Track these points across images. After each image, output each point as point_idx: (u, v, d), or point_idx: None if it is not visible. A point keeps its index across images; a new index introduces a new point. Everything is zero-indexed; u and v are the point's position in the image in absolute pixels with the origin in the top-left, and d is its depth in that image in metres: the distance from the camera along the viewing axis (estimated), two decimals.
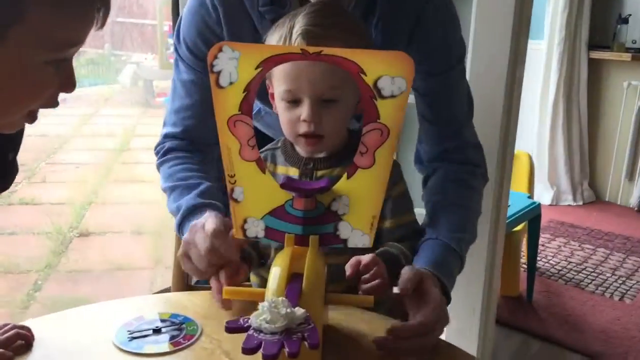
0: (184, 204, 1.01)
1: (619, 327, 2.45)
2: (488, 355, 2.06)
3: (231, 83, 0.78)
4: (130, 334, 0.87)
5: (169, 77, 1.17)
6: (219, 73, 0.78)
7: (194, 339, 0.86)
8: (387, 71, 0.77)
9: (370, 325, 0.90)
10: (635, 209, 3.84)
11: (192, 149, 1.12)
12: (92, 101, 6.37)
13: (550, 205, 3.87)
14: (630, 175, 3.88)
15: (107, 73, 7.58)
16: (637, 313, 2.58)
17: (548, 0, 3.73)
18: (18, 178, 0.93)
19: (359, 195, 0.83)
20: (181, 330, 0.88)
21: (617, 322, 2.50)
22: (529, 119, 3.77)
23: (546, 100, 3.89)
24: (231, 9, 1.04)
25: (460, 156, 1.11)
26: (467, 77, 1.16)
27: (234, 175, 0.83)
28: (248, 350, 0.63)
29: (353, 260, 0.86)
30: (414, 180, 1.14)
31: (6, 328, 0.85)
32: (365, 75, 0.77)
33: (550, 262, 3.05)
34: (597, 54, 3.83)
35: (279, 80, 0.92)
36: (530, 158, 2.77)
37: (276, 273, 0.77)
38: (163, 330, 0.88)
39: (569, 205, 3.93)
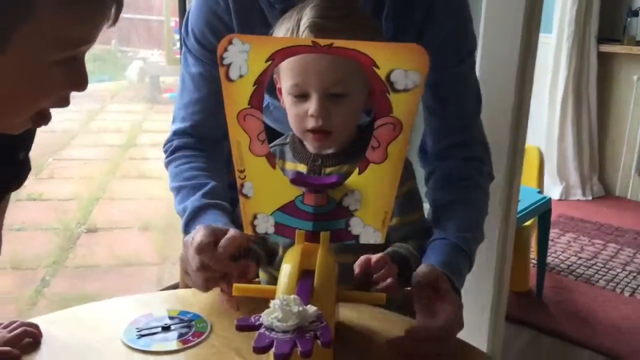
0: (189, 206, 1.00)
1: (630, 323, 2.43)
2: (498, 351, 2.05)
3: (241, 76, 0.77)
4: (138, 331, 0.86)
5: (176, 73, 1.15)
6: (228, 66, 0.76)
7: (203, 337, 0.85)
8: (400, 64, 0.75)
9: (382, 322, 0.89)
10: None
11: (201, 146, 1.10)
12: (99, 97, 6.37)
13: (559, 199, 3.84)
14: None
15: (114, 69, 7.58)
16: None
17: None
18: None
19: (371, 191, 0.81)
20: (190, 328, 0.87)
21: (628, 318, 2.47)
22: (537, 113, 3.74)
23: (555, 94, 3.86)
24: None
25: (466, 152, 1.08)
26: (477, 71, 1.14)
27: (244, 170, 0.82)
28: (259, 349, 0.62)
29: (362, 259, 0.84)
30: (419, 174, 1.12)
31: (14, 325, 0.84)
32: (378, 69, 0.75)
33: (560, 257, 3.03)
34: (607, 48, 3.79)
35: (285, 74, 0.90)
36: (540, 152, 2.74)
37: (287, 270, 0.76)
38: (172, 327, 0.87)
39: (579, 200, 3.90)
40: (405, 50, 0.75)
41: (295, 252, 0.79)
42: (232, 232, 0.88)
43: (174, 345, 0.83)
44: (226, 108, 0.79)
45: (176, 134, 1.13)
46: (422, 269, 0.86)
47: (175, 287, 1.92)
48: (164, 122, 5.50)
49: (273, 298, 0.73)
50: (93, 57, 7.29)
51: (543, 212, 2.50)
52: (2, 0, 0.60)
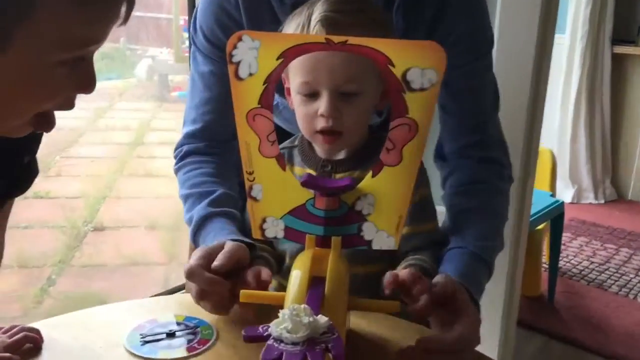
0: (195, 215, 0.97)
1: None
2: (509, 357, 2.01)
3: (250, 74, 0.73)
4: (142, 337, 0.83)
5: (184, 71, 1.13)
6: (238, 64, 0.73)
7: (209, 344, 0.82)
8: (417, 62, 0.71)
9: (394, 331, 0.86)
10: None
11: (212, 150, 1.07)
12: (108, 95, 6.37)
13: (571, 203, 3.80)
14: None
15: (122, 67, 7.59)
16: None
17: None
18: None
19: (385, 195, 0.78)
20: (196, 335, 0.84)
21: None
22: (550, 114, 3.69)
23: (568, 95, 3.82)
24: None
25: (484, 154, 1.04)
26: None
27: (253, 172, 0.79)
28: None
29: (389, 277, 0.78)
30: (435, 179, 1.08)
31: (14, 330, 0.82)
32: (394, 67, 0.72)
33: (572, 262, 2.99)
34: (621, 49, 3.75)
35: (295, 72, 0.87)
36: (552, 155, 2.70)
37: (297, 277, 0.72)
38: (177, 334, 0.84)
39: (591, 203, 3.85)
40: (422, 48, 0.72)
41: (306, 258, 0.75)
42: (228, 246, 0.84)
43: (179, 352, 0.80)
44: (235, 107, 0.76)
45: (187, 137, 1.09)
46: (438, 279, 0.82)
47: (181, 288, 1.90)
48: (172, 120, 5.55)
49: (282, 305, 0.71)
50: (102, 55, 7.31)
51: (556, 216, 2.46)
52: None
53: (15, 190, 0.85)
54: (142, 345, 0.81)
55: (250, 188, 0.79)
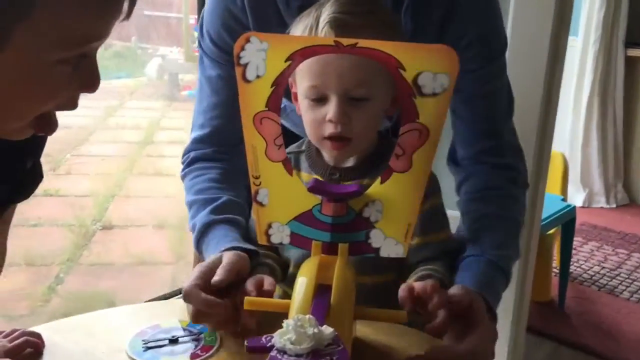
0: (198, 223, 0.95)
1: None
2: None
3: (258, 77, 0.72)
4: (145, 343, 0.82)
5: (194, 70, 1.11)
6: (245, 66, 0.72)
7: (212, 351, 0.81)
8: (428, 67, 0.70)
9: (401, 339, 0.84)
10: None
11: (219, 157, 1.05)
12: (118, 93, 6.38)
13: (582, 207, 3.75)
14: None
15: (133, 66, 7.60)
16: None
17: None
18: (43, 169, 0.87)
19: (394, 201, 0.76)
20: (199, 341, 0.83)
21: None
22: (562, 118, 3.65)
23: (580, 99, 3.78)
24: None
25: (499, 160, 1.02)
26: None
27: (259, 176, 0.77)
28: None
29: (404, 291, 0.76)
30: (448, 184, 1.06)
31: (15, 335, 0.81)
32: (405, 71, 0.70)
33: (583, 267, 2.95)
34: (634, 52, 3.70)
35: (302, 76, 0.85)
36: (564, 158, 2.67)
37: (302, 284, 0.71)
38: (180, 340, 0.83)
39: (602, 207, 3.80)
40: (434, 52, 0.70)
41: (312, 265, 0.74)
42: (227, 258, 0.82)
43: (181, 359, 0.79)
44: (242, 110, 0.74)
45: (195, 142, 1.07)
46: (455, 290, 0.80)
47: None
48: (182, 119, 5.55)
49: (286, 313, 0.69)
50: (113, 53, 7.33)
51: (567, 220, 2.43)
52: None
53: (17, 196, 0.84)
54: (144, 351, 0.80)
55: (256, 192, 0.78)
